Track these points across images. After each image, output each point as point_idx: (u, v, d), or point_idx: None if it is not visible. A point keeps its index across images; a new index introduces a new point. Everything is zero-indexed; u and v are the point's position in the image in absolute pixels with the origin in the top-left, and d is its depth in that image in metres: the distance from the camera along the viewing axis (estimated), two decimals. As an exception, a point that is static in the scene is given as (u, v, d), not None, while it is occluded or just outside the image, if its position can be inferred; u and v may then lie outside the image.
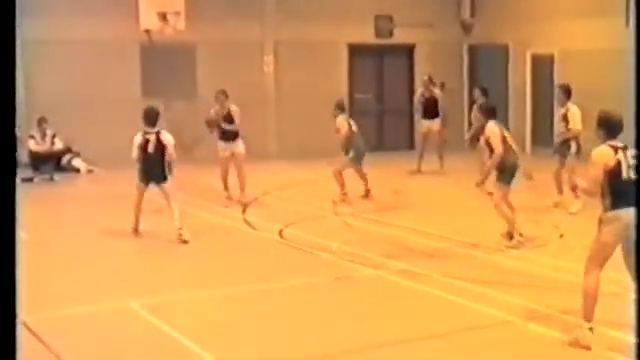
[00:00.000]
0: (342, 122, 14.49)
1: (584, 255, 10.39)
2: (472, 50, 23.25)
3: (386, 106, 22.97)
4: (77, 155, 18.65)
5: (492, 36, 22.24)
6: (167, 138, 11.69)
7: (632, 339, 7.12)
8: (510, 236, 11.00)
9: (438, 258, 10.54)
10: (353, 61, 22.19)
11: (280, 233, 11.98)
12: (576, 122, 13.04)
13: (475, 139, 13.62)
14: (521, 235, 10.89)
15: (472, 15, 22.98)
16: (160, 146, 11.60)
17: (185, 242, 11.29)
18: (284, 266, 10.32)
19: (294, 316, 8.27)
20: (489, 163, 11.06)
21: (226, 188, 14.85)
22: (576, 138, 13.09)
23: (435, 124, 18.23)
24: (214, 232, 12.35)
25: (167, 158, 11.67)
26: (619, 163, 7.13)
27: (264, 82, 20.71)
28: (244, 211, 13.69)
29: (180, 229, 11.36)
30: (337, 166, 14.48)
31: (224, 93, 14.82)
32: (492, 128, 10.88)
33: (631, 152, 7.18)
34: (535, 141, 20.42)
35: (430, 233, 11.32)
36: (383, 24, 22.29)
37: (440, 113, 18.30)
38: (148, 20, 18.89)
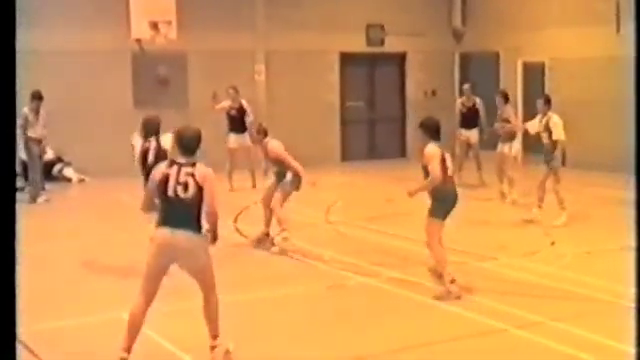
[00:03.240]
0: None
1: (576, 263, 10.54)
2: (463, 58, 23.32)
3: (378, 114, 23.01)
4: (68, 165, 18.64)
5: (483, 44, 22.31)
6: (166, 142, 10.53)
7: (631, 349, 7.14)
8: (439, 276, 9.41)
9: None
10: (345, 69, 22.23)
11: (272, 242, 11.95)
12: (560, 132, 13.01)
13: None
14: (453, 282, 9.05)
15: (463, 23, 23.07)
16: (161, 153, 10.37)
17: None
18: (275, 275, 10.30)
19: (285, 325, 8.25)
20: (424, 184, 9.24)
21: (230, 178, 16.39)
22: (561, 148, 13.00)
23: (473, 134, 17.56)
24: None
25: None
26: (167, 177, 6.60)
27: (255, 91, 20.70)
28: (236, 220, 13.67)
29: None
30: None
31: (235, 89, 16.91)
32: (433, 151, 9.12)
33: (188, 170, 6.59)
34: (527, 149, 20.41)
35: (422, 241, 11.29)
36: (374, 33, 22.36)
37: (479, 123, 17.63)
38: (139, 29, 18.86)
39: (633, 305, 8.45)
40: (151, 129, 10.73)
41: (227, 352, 7.10)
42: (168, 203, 6.61)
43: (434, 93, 20.67)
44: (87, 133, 18.75)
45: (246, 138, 16.73)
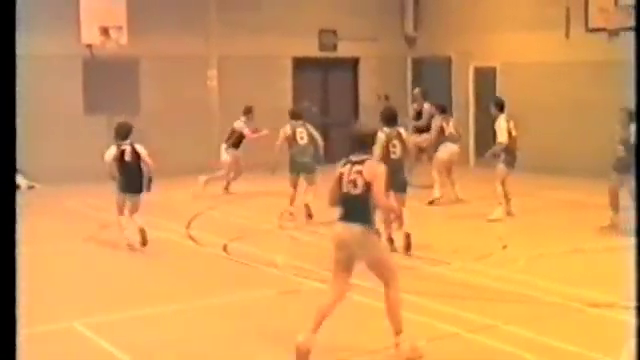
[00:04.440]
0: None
1: (528, 266, 10.61)
2: (416, 63, 23.44)
3: (331, 119, 23.01)
4: (17, 171, 18.35)
5: (435, 49, 22.44)
6: (141, 149, 11.85)
7: (579, 350, 7.20)
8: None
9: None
10: (298, 74, 22.20)
11: (224, 248, 11.88)
12: (502, 134, 13.55)
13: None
14: (392, 241, 11.21)
15: (415, 28, 23.19)
16: (136, 155, 11.76)
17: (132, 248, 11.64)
18: (228, 281, 10.23)
19: (238, 332, 8.18)
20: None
21: (206, 184, 16.79)
22: (505, 149, 13.57)
23: (420, 139, 17.37)
24: (157, 247, 12.18)
25: (145, 170, 11.84)
26: (341, 175, 7.04)
27: (208, 97, 20.61)
28: (188, 226, 13.57)
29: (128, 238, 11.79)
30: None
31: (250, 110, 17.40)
32: (377, 135, 10.74)
33: (357, 167, 6.97)
34: (479, 153, 20.57)
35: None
36: (327, 38, 22.38)
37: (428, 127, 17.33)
38: (90, 35, 18.66)
39: (584, 307, 8.55)
40: (123, 133, 11.90)
41: (414, 348, 7.14)
42: (343, 199, 7.04)
43: (387, 98, 20.74)
44: (37, 139, 18.45)
45: (238, 151, 17.07)
